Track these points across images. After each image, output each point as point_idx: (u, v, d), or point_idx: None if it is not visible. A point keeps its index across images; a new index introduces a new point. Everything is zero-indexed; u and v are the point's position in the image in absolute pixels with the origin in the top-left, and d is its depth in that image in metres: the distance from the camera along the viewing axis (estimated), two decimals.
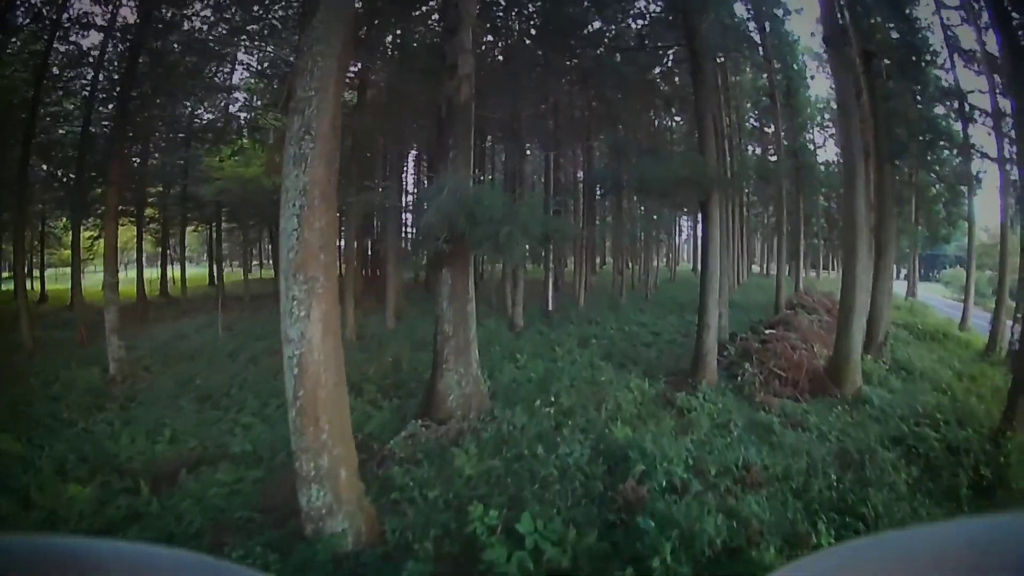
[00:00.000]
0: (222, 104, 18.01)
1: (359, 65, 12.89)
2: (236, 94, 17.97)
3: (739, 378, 10.65)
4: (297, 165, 4.66)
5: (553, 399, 8.86)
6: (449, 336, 7.81)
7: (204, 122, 17.57)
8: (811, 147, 27.32)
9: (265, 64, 16.52)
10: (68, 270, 18.85)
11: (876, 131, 13.38)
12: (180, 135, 17.18)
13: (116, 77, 13.77)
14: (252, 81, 16.91)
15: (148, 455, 8.57)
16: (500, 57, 19.02)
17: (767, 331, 12.00)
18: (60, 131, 16.91)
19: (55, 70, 15.39)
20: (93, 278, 23.93)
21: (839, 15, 12.40)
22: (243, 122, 16.94)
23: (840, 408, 10.19)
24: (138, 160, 17.61)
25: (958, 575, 0.41)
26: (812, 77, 27.81)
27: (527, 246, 7.01)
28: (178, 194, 19.13)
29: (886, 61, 15.80)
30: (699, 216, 20.27)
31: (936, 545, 0.45)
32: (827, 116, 30.29)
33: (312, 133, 4.63)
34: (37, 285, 23.16)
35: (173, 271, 24.03)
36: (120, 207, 18.85)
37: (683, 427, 8.90)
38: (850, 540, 0.53)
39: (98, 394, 11.36)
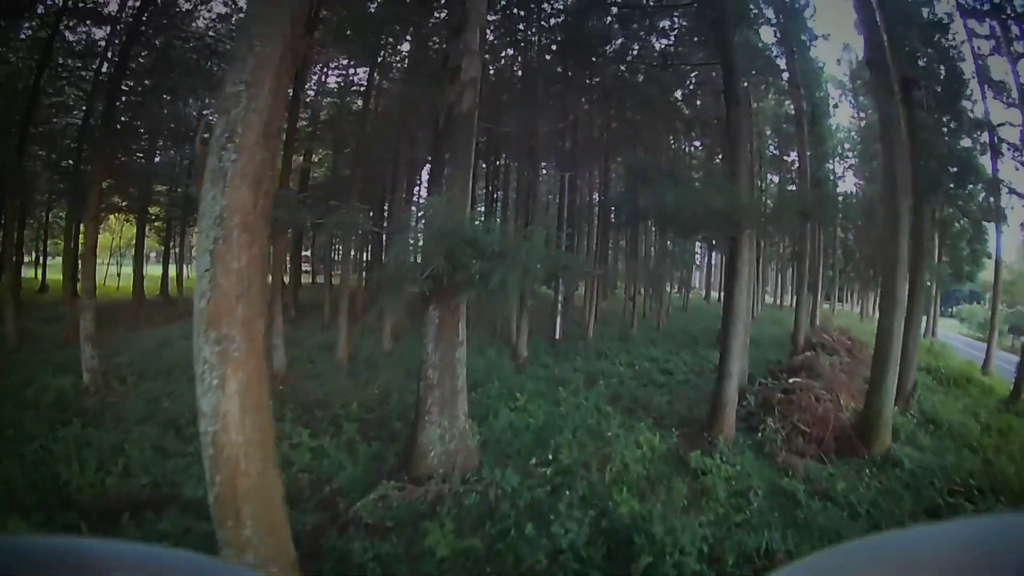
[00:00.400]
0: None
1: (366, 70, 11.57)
2: None
3: (760, 433, 9.19)
4: (215, 183, 3.34)
5: (551, 456, 7.44)
6: (434, 384, 6.41)
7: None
8: (831, 178, 25.72)
9: None
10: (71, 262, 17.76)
11: (914, 164, 11.90)
12: (167, 134, 15.89)
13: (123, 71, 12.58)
14: None
15: (97, 488, 7.38)
16: (519, 72, 17.79)
17: (790, 380, 10.47)
18: (66, 120, 15.82)
19: (61, 59, 14.33)
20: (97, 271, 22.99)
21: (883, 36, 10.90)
22: None
23: (868, 471, 8.80)
24: (143, 157, 16.45)
25: (958, 575, 0.39)
26: (836, 105, 26.34)
27: (532, 283, 5.60)
28: (182, 194, 17.96)
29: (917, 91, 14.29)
30: (713, 243, 18.93)
31: (936, 545, 0.44)
32: (847, 146, 28.74)
33: (236, 141, 3.29)
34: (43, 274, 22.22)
35: (179, 269, 22.81)
36: (124, 203, 17.87)
37: (697, 494, 7.51)
38: (850, 540, 0.49)
39: (66, 406, 10.11)
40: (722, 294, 27.85)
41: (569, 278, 7.11)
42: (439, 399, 6.37)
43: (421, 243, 4.96)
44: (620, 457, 7.67)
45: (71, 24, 13.82)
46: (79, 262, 14.72)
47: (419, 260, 4.85)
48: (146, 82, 12.76)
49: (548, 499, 6.64)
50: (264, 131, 3.36)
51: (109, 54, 13.00)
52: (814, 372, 11.38)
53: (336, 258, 21.54)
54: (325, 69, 17.97)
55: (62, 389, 10.69)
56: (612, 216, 16.50)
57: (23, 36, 14.75)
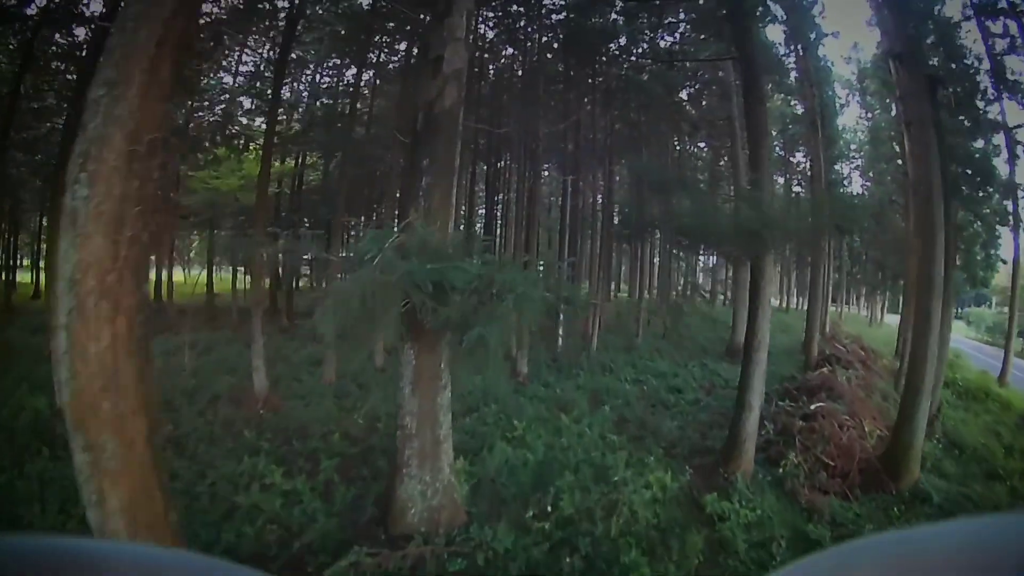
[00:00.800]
0: (193, 106, 15.24)
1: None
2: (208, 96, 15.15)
3: (781, 468, 8.10)
4: (66, 231, 2.28)
5: (551, 505, 6.39)
6: (412, 434, 5.33)
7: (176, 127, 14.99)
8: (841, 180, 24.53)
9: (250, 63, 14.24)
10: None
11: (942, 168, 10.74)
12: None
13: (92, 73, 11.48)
14: (228, 82, 14.57)
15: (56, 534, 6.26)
16: (519, 71, 16.68)
17: (812, 406, 9.36)
18: (49, 125, 14.77)
19: (43, 62, 13.32)
20: None
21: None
22: (222, 128, 14.61)
23: (897, 509, 7.83)
24: None
25: (958, 575, 0.38)
26: (844, 106, 25.13)
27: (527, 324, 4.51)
28: (174, 200, 16.82)
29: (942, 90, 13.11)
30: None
31: (936, 545, 0.42)
32: (853, 147, 27.50)
33: (89, 169, 2.24)
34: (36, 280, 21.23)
35: (170, 274, 21.55)
36: None
37: (713, 546, 6.48)
38: (850, 541, 0.47)
39: (39, 432, 9.07)
40: (728, 297, 26.76)
41: (572, 311, 5.98)
42: (418, 450, 5.30)
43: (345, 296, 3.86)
44: (628, 504, 6.62)
45: (56, 27, 12.85)
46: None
47: (373, 301, 3.78)
48: None
49: (546, 560, 5.62)
50: (128, 152, 2.29)
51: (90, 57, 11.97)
52: (834, 392, 10.27)
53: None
54: (319, 70, 16.94)
55: (38, 410, 9.63)
56: (617, 223, 15.32)
57: (12, 44, 13.81)
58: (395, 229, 4.38)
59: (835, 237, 19.91)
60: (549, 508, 6.32)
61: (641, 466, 7.73)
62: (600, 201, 18.84)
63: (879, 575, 0.41)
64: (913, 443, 8.41)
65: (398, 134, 9.42)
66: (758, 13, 8.21)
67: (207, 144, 13.86)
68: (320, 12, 13.43)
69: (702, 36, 15.84)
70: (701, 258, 25.24)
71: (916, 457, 8.53)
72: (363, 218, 18.46)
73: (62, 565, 0.42)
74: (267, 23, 11.77)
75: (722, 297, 29.32)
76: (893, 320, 27.10)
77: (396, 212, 11.97)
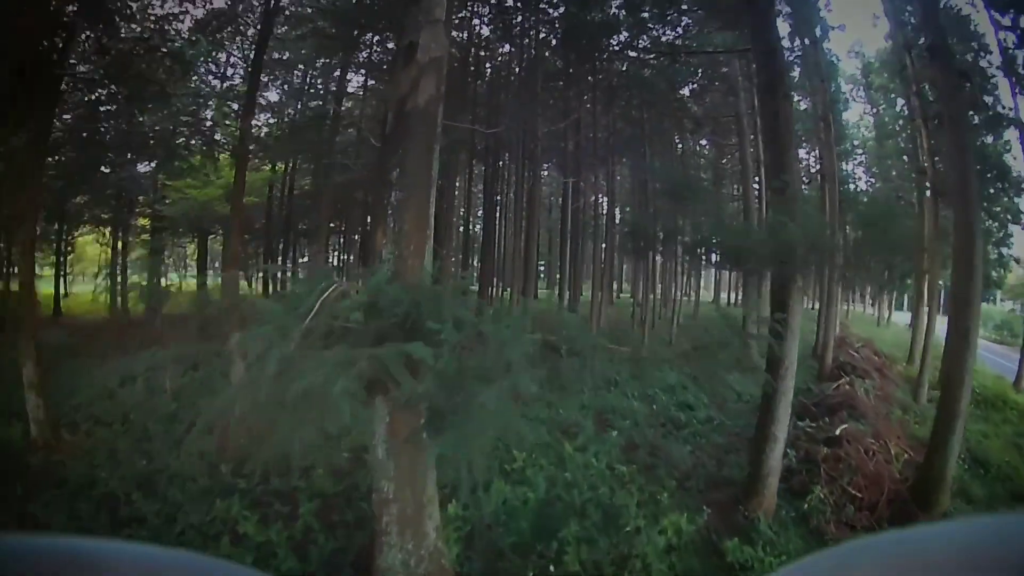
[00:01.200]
0: (167, 113, 14.18)
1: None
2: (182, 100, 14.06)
3: (806, 503, 7.23)
4: None
5: (553, 563, 5.51)
6: (390, 499, 4.43)
7: (152, 134, 13.94)
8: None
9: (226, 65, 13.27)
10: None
11: None
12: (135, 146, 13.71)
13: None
14: (204, 86, 13.58)
15: None
16: (517, 68, 15.72)
17: (837, 430, 8.45)
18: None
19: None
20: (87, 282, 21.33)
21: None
22: (199, 134, 13.65)
23: None
24: (114, 170, 14.39)
25: (958, 575, 0.37)
26: (851, 101, 24.13)
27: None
28: (162, 207, 15.93)
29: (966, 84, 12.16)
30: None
31: (936, 545, 0.41)
32: (856, 142, 26.51)
33: None
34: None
35: (180, 281, 20.70)
36: (109, 216, 16.03)
37: None
38: (850, 540, 0.46)
39: (11, 464, 8.22)
40: (735, 297, 25.79)
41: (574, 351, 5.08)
42: (398, 516, 4.41)
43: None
44: (641, 556, 5.75)
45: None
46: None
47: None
48: (100, 92, 10.78)
49: None
50: None
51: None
52: (856, 411, 9.38)
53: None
54: (310, 71, 15.97)
55: (10, 441, 8.84)
56: (624, 233, 14.38)
57: None
58: (332, 277, 3.50)
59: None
60: (551, 568, 5.46)
61: (654, 505, 6.88)
62: (602, 201, 17.92)
63: (879, 575, 0.40)
64: (946, 473, 7.56)
65: (371, 137, 8.46)
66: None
67: (184, 152, 12.92)
68: (309, 11, 12.50)
69: (707, 30, 14.90)
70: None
71: (947, 488, 7.69)
72: (359, 225, 17.54)
73: (62, 565, 0.41)
74: (251, 23, 10.84)
75: (725, 297, 28.41)
76: (898, 318, 26.24)
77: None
